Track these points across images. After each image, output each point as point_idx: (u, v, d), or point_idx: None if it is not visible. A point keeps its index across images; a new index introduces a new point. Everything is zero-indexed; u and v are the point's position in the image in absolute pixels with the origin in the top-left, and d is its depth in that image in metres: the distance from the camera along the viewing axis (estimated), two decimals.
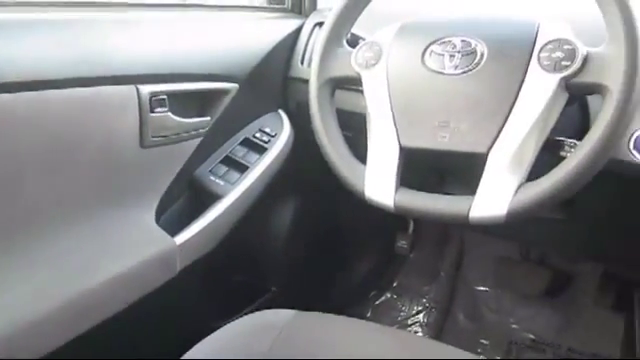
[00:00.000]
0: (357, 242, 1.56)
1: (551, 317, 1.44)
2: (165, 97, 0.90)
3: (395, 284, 1.61)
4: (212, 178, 1.03)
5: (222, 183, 1.03)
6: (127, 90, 0.85)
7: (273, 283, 1.31)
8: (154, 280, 0.91)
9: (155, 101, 0.88)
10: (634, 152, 0.83)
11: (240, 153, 1.08)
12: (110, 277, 0.83)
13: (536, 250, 1.47)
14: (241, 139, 1.09)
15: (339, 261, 1.53)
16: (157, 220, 0.94)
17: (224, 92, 1.02)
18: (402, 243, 1.39)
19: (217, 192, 1.02)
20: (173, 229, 0.94)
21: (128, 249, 0.88)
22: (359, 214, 1.11)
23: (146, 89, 0.87)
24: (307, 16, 1.19)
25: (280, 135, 1.11)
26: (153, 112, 0.88)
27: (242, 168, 1.05)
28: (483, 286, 1.54)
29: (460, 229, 1.58)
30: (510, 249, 1.50)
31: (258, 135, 1.10)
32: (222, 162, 1.06)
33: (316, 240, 1.40)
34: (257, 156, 1.08)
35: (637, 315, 1.28)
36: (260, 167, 1.06)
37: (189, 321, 1.09)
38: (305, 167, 1.12)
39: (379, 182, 0.79)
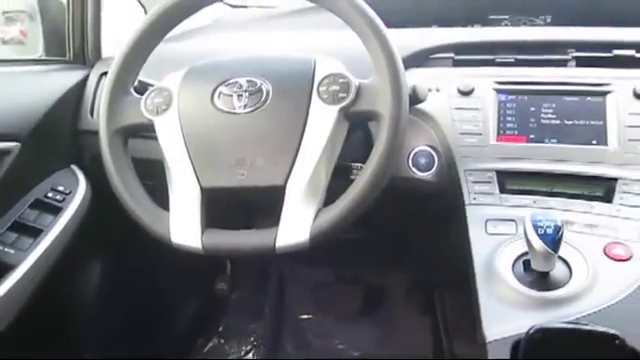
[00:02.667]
0: (177, 290, 1.52)
1: (371, 331, 1.52)
2: None
3: (221, 328, 1.59)
4: (0, 247, 0.94)
5: (12, 251, 0.94)
6: None
7: (88, 350, 1.21)
8: None
9: None
10: (413, 168, 0.93)
11: (31, 216, 0.99)
12: None
13: (349, 271, 1.56)
14: (31, 201, 1.00)
15: (160, 312, 1.47)
16: None
17: (4, 152, 0.94)
18: (221, 285, 1.39)
19: (7, 262, 0.92)
20: None
21: None
22: (173, 261, 1.09)
23: None
24: (92, 66, 1.15)
25: (76, 192, 1.04)
26: None
27: (35, 232, 0.97)
28: (306, 314, 1.59)
29: (279, 262, 1.62)
30: (325, 274, 1.57)
31: (51, 195, 1.02)
32: (10, 228, 0.96)
33: (132, 295, 1.33)
34: (51, 217, 1.00)
35: (439, 314, 1.42)
36: (56, 229, 0.98)
37: None
38: (109, 222, 1.06)
39: (184, 226, 0.79)
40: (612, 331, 0.67)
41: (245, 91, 0.81)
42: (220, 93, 0.82)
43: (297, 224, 0.75)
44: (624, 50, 0.93)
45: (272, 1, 1.32)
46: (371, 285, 1.55)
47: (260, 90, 0.80)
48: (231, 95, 0.81)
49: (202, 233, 0.78)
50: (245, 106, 0.80)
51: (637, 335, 0.69)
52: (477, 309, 0.77)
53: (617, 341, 0.67)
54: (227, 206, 0.91)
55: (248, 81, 0.81)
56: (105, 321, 1.24)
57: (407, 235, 1.22)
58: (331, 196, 0.78)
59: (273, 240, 0.75)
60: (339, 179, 0.81)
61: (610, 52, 0.94)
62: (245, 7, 1.39)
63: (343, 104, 0.77)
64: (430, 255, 1.23)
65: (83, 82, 1.10)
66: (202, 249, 0.78)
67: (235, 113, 0.80)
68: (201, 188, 0.79)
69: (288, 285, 1.62)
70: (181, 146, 0.81)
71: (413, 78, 0.92)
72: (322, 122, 0.77)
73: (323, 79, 0.79)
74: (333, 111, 0.77)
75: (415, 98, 0.84)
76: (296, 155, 0.77)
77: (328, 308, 1.56)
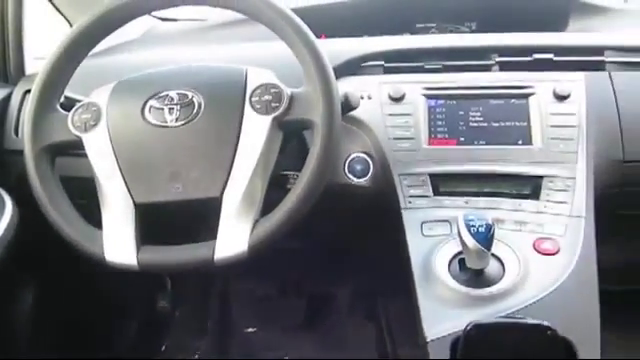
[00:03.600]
0: (116, 311, 1.47)
1: (316, 342, 1.52)
2: None
3: (164, 347, 1.55)
4: None
5: None
6: None
7: None
8: None
9: None
10: (349, 175, 0.94)
11: None
12: None
13: (292, 282, 1.56)
14: None
15: (99, 334, 1.42)
16: None
17: None
18: (163, 303, 1.35)
19: None
20: None
21: None
22: (111, 281, 1.05)
23: None
24: (15, 84, 1.10)
25: (1, 215, 1.00)
26: None
27: None
28: (251, 327, 1.57)
29: (222, 276, 1.60)
30: (269, 286, 1.56)
31: None
32: None
33: (68, 317, 1.28)
34: None
35: (383, 319, 1.44)
36: None
37: None
38: (40, 243, 1.02)
39: (118, 243, 0.77)
40: (544, 323, 0.70)
41: (176, 104, 0.80)
42: (151, 107, 0.80)
43: (235, 235, 0.75)
44: (543, 54, 0.98)
45: (203, 14, 1.31)
46: (315, 295, 1.55)
47: (192, 102, 0.79)
48: (162, 108, 0.80)
49: (137, 250, 0.76)
50: (177, 119, 0.79)
51: (567, 325, 0.73)
52: (417, 310, 0.79)
53: (549, 332, 0.70)
54: (164, 221, 0.89)
55: (179, 94, 0.80)
56: (40, 345, 1.19)
57: (347, 242, 1.23)
58: (269, 206, 0.78)
59: (211, 253, 0.74)
60: (276, 189, 0.81)
61: (530, 56, 0.98)
62: (175, 20, 1.37)
63: (276, 114, 0.77)
64: (371, 261, 1.25)
65: (6, 100, 1.06)
66: (138, 266, 0.76)
67: (167, 126, 0.79)
68: (135, 204, 0.77)
69: (232, 299, 1.60)
70: (112, 162, 0.79)
71: (345, 86, 0.93)
72: (256, 132, 0.77)
73: (255, 89, 0.79)
74: (266, 121, 0.77)
75: (347, 105, 0.85)
76: (231, 166, 0.76)
77: (273, 320, 1.55)
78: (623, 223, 1.00)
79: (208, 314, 1.57)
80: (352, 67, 0.99)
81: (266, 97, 0.78)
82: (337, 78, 0.83)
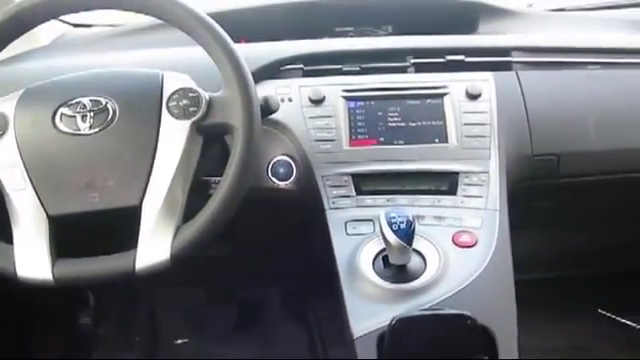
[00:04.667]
0: (35, 330, 1.40)
1: (249, 348, 1.51)
2: None
3: None
4: None
5: None
6: None
7: None
8: None
9: None
10: (273, 178, 0.95)
11: None
12: None
13: (221, 289, 1.54)
14: None
15: (20, 355, 1.35)
16: None
17: None
18: (85, 319, 1.30)
19: None
20: None
21: None
22: (30, 298, 1.00)
23: None
24: None
25: None
26: None
27: None
28: (181, 338, 1.54)
29: (148, 287, 1.55)
30: (198, 295, 1.54)
31: None
32: None
33: None
34: None
35: (313, 321, 1.45)
36: None
37: None
38: None
39: (32, 258, 0.73)
40: (464, 313, 0.73)
41: (90, 111, 0.77)
42: (62, 115, 0.77)
43: (156, 244, 0.73)
44: (455, 55, 1.02)
45: (117, 19, 1.27)
46: (245, 301, 1.54)
47: (106, 109, 0.77)
48: (74, 116, 0.77)
49: (52, 264, 0.73)
50: (91, 127, 0.76)
51: (486, 314, 0.76)
52: (343, 309, 0.80)
53: (469, 321, 0.72)
54: (81, 233, 0.86)
55: (92, 100, 0.78)
56: None
57: (275, 245, 1.23)
58: (191, 213, 0.76)
59: (132, 263, 0.73)
60: (198, 195, 0.80)
61: (443, 58, 1.02)
62: (89, 26, 1.33)
63: (194, 118, 0.76)
64: (299, 262, 1.25)
65: None
66: (53, 281, 0.73)
67: (80, 134, 0.76)
68: (48, 216, 0.74)
69: (159, 311, 1.57)
70: (21, 174, 0.75)
71: (265, 90, 0.94)
72: (174, 138, 0.76)
73: (172, 94, 0.78)
74: (185, 126, 0.76)
75: (267, 108, 0.85)
76: (150, 173, 0.75)
77: (203, 329, 1.53)
78: (535, 215, 1.05)
79: (135, 328, 1.53)
80: (271, 71, 0.99)
81: (184, 102, 0.77)
82: (256, 82, 0.83)
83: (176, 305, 1.54)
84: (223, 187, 0.74)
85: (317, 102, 0.96)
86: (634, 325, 1.57)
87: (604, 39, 1.14)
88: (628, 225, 1.24)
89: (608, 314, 1.58)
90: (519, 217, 0.90)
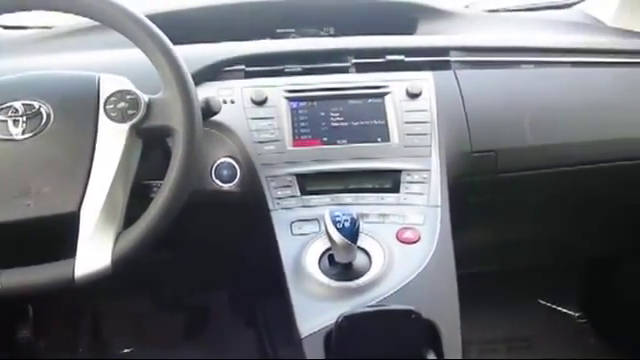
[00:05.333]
0: None
1: (198, 354, 1.48)
2: None
3: None
4: None
5: None
6: None
7: None
8: None
9: None
10: (217, 181, 0.94)
11: None
12: None
13: (168, 295, 1.51)
14: None
15: None
16: None
17: None
18: (23, 333, 1.25)
19: None
20: None
21: None
22: None
23: None
24: None
25: None
26: None
27: None
28: (127, 347, 1.50)
29: (90, 297, 1.51)
30: (143, 302, 1.50)
31: None
32: None
33: None
34: None
35: (262, 323, 1.44)
36: None
37: None
38: None
39: None
40: (408, 307, 0.74)
41: (22, 115, 0.74)
42: None
43: (96, 251, 0.71)
44: (395, 55, 1.04)
45: (51, 21, 1.23)
46: (193, 306, 1.52)
47: (39, 113, 0.75)
48: (5, 121, 0.74)
49: None
50: (24, 132, 0.74)
51: (430, 308, 0.77)
52: (291, 308, 0.80)
53: (413, 315, 0.74)
54: (18, 242, 0.83)
55: (24, 104, 0.75)
56: None
57: (222, 248, 1.22)
58: (133, 218, 0.75)
59: (71, 271, 0.71)
60: (139, 199, 0.78)
61: (384, 58, 1.04)
62: (21, 28, 1.28)
63: (133, 121, 0.75)
64: (246, 265, 1.24)
65: None
66: None
67: (13, 140, 0.74)
68: None
69: (103, 320, 1.52)
70: None
71: (206, 91, 0.93)
72: (113, 142, 0.74)
73: (109, 97, 0.76)
74: (123, 129, 0.75)
75: (209, 110, 0.85)
76: (88, 178, 0.73)
77: (151, 337, 1.49)
78: (476, 209, 1.08)
79: (77, 340, 1.48)
80: (213, 72, 0.98)
81: (122, 104, 0.75)
82: (198, 84, 0.82)
83: (121, 314, 1.50)
84: (164, 191, 0.73)
85: (260, 103, 0.96)
86: (572, 313, 1.64)
87: (536, 39, 1.19)
88: (564, 218, 1.28)
89: (548, 304, 1.64)
90: (460, 212, 0.92)
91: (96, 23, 0.80)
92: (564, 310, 1.65)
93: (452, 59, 1.06)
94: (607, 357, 1.52)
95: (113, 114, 0.75)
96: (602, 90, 1.11)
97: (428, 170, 0.93)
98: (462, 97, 1.02)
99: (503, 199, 1.10)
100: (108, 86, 0.77)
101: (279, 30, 1.27)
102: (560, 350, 1.54)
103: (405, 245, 0.86)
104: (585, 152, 1.07)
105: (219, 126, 0.94)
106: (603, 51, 1.15)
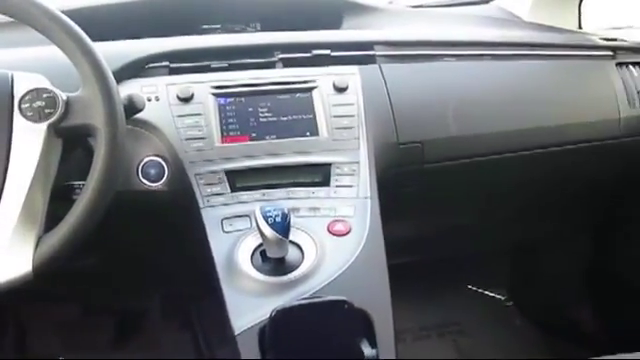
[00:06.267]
0: None
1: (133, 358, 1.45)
2: None
3: None
4: None
5: None
6: None
7: None
8: None
9: None
10: (144, 180, 0.92)
11: None
12: None
13: (97, 300, 1.46)
14: None
15: None
16: None
17: None
18: None
19: None
20: None
21: None
22: None
23: None
24: None
25: None
26: None
27: None
28: (54, 356, 1.44)
29: (15, 306, 1.44)
30: (71, 309, 1.45)
31: None
32: None
33: None
34: None
35: (197, 324, 1.42)
36: None
37: None
38: None
39: None
40: (341, 298, 0.75)
41: None
42: None
43: (16, 256, 0.68)
44: (321, 50, 1.04)
45: None
46: (125, 311, 1.48)
47: None
48: None
49: None
50: None
51: (362, 297, 0.78)
52: (224, 306, 0.80)
53: (346, 305, 0.75)
54: None
55: None
56: None
57: (153, 249, 1.19)
58: (56, 221, 0.72)
59: None
60: (61, 201, 0.75)
61: (310, 52, 1.04)
62: None
63: (51, 120, 0.72)
64: (179, 265, 1.22)
65: None
66: None
67: None
68: None
69: (30, 329, 1.45)
70: None
71: (129, 88, 0.90)
72: (30, 142, 0.71)
73: (24, 95, 0.73)
74: (41, 129, 0.72)
75: (132, 108, 0.82)
76: (4, 181, 0.69)
77: (79, 344, 1.44)
78: (404, 200, 1.10)
79: (2, 350, 1.41)
80: (135, 69, 0.96)
81: (38, 103, 0.72)
82: (119, 81, 0.80)
83: (48, 322, 1.44)
84: (87, 192, 0.71)
85: (185, 100, 0.94)
86: (499, 297, 1.71)
87: (458, 33, 1.23)
88: (489, 206, 1.34)
89: (476, 289, 1.71)
90: (389, 203, 0.94)
91: (10, 19, 0.76)
92: (492, 294, 1.72)
93: (377, 53, 1.08)
94: (532, 335, 1.60)
95: (29, 113, 0.72)
96: (521, 82, 1.17)
97: (357, 162, 0.94)
98: (388, 90, 1.04)
99: (431, 189, 1.13)
100: (23, 84, 0.74)
101: (204, 26, 1.25)
102: (489, 332, 1.60)
103: (336, 237, 0.86)
104: (506, 141, 1.12)
105: (144, 124, 0.92)
106: (521, 44, 1.20)
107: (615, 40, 1.29)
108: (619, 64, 1.24)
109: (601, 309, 1.54)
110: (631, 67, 1.24)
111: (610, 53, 1.25)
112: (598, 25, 1.43)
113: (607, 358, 0.80)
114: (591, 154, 1.20)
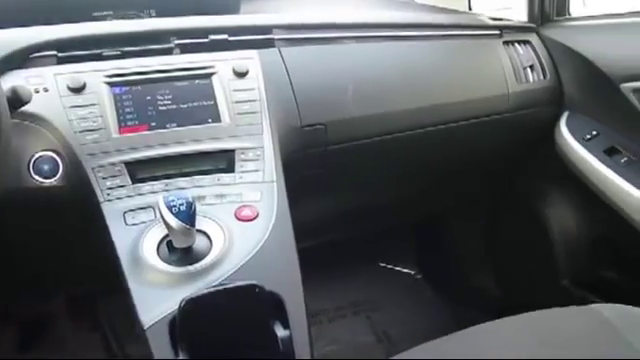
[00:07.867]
0: None
1: None
2: None
3: None
4: None
5: None
6: None
7: None
8: None
9: None
10: (37, 177, 0.87)
11: None
12: None
13: None
14: None
15: None
16: None
17: None
18: None
19: None
20: None
21: None
22: None
23: None
24: None
25: None
26: None
27: None
28: None
29: None
30: None
31: None
32: None
33: None
34: None
35: (105, 323, 1.37)
36: None
37: None
38: None
39: None
40: (251, 282, 0.75)
41: None
42: None
43: None
44: (218, 35, 1.03)
45: None
46: (27, 316, 1.40)
47: None
48: None
49: None
50: None
51: (273, 280, 0.79)
52: (131, 301, 0.77)
53: (257, 289, 0.75)
54: None
55: None
56: None
57: (54, 250, 1.13)
58: None
59: None
60: None
61: (207, 38, 1.02)
62: None
63: None
64: (83, 264, 1.17)
65: None
66: None
67: None
68: None
69: None
70: None
71: (12, 80, 0.85)
72: None
73: None
74: None
75: (17, 100, 0.78)
76: None
77: None
78: (310, 182, 1.11)
79: None
80: (18, 59, 0.90)
81: None
82: (2, 73, 0.74)
83: None
84: None
85: (77, 90, 0.90)
86: (409, 272, 1.78)
87: (355, 16, 1.25)
88: (393, 183, 1.38)
89: (388, 266, 1.76)
90: (296, 187, 0.94)
91: None
92: (402, 269, 1.78)
93: (276, 37, 1.08)
94: (441, 305, 1.67)
95: None
96: (416, 62, 1.21)
97: (261, 147, 0.94)
98: (288, 74, 1.04)
99: (336, 170, 1.15)
100: None
101: (95, 13, 1.19)
102: (401, 306, 1.66)
103: (244, 223, 0.86)
104: (405, 120, 1.16)
105: (33, 117, 0.86)
106: (415, 25, 1.24)
107: (502, 20, 1.36)
108: (506, 42, 1.31)
109: (502, 276, 1.64)
110: (517, 45, 1.32)
111: (497, 32, 1.31)
112: (488, 7, 1.51)
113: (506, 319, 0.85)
114: (484, 129, 1.27)
